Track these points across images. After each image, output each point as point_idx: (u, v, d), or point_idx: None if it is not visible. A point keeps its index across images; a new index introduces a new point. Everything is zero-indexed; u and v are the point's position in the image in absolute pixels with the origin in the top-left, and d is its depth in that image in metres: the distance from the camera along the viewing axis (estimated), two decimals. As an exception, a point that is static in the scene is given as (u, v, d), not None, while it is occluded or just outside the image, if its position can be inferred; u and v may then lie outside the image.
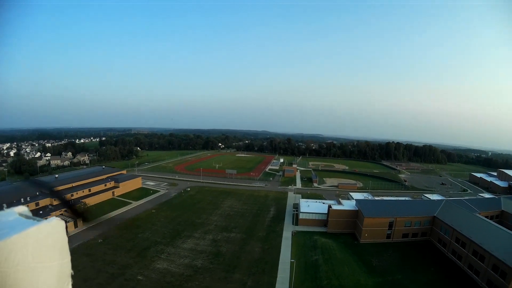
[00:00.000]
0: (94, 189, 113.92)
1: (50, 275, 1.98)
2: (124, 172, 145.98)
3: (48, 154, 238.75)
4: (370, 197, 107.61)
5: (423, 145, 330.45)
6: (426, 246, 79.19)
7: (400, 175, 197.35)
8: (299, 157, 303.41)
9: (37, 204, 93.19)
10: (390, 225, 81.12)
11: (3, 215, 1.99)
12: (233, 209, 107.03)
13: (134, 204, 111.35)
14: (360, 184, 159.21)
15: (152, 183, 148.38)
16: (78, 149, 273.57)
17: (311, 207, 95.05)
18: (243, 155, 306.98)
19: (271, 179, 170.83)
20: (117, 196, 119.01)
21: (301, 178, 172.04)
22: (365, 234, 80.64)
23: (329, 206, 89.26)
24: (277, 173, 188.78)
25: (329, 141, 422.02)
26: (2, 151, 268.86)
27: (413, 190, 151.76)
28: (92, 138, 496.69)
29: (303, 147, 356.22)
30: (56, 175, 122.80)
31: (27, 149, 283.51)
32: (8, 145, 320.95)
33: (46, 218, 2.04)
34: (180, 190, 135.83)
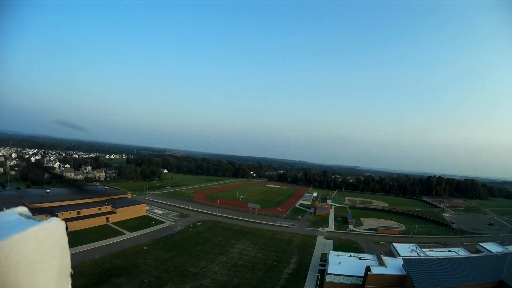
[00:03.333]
0: (86, 211, 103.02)
1: (50, 274, 2.03)
2: (128, 196, 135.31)
3: (67, 166, 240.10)
4: (418, 250, 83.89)
5: (465, 179, 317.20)
6: None
7: (444, 214, 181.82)
8: (335, 191, 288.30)
9: None
10: (448, 297, 57.99)
11: (3, 215, 2.10)
12: (243, 256, 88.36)
13: (127, 235, 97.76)
14: (402, 227, 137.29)
15: (160, 212, 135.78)
16: (101, 164, 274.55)
17: (343, 266, 73.60)
18: (273, 186, 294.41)
19: (299, 217, 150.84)
20: (112, 223, 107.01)
21: (335, 218, 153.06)
22: (416, 313, 57.79)
23: (367, 268, 67.24)
24: (308, 210, 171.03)
25: (366, 174, 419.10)
26: (24, 156, 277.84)
27: (462, 235, 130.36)
28: (123, 155, 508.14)
29: (340, 179, 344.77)
30: (48, 190, 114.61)
31: (51, 157, 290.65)
32: (35, 151, 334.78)
33: (46, 219, 2.13)
34: (189, 223, 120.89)
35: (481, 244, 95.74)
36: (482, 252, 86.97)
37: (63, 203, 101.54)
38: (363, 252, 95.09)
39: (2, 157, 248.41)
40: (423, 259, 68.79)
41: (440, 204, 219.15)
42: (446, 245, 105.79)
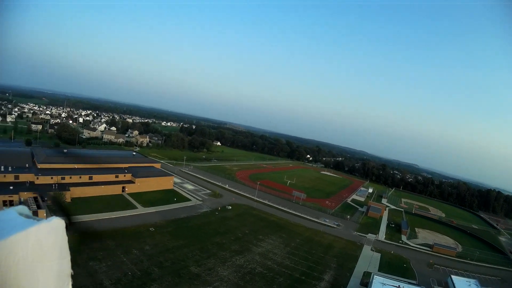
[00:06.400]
0: (99, 177, 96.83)
1: (50, 274, 2.13)
2: (157, 165, 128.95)
3: (113, 128, 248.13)
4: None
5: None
6: None
7: (500, 238, 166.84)
8: (392, 189, 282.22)
9: (16, 177, 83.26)
10: None
11: (3, 214, 2.17)
12: (266, 261, 73.36)
13: (139, 210, 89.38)
14: (459, 248, 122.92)
15: (190, 187, 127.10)
16: (150, 130, 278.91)
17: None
18: (328, 174, 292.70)
19: (348, 217, 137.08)
20: (128, 194, 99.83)
21: (388, 224, 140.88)
22: None
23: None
24: (360, 208, 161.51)
25: (424, 174, 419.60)
26: (73, 116, 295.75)
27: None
28: (181, 123, 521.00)
29: (398, 177, 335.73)
30: (65, 150, 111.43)
31: (102, 119, 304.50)
32: (88, 112, 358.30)
33: (46, 218, 2.22)
34: (218, 205, 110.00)
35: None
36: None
37: (76, 166, 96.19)
38: (413, 276, 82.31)
39: (48, 116, 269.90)
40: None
41: (497, 225, 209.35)
42: (504, 281, 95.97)
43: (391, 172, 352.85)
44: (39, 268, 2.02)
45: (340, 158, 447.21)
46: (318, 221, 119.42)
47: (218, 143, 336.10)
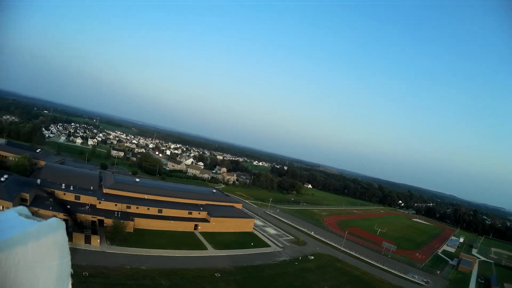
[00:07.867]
0: (170, 212, 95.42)
1: (50, 274, 2.15)
2: (238, 205, 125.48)
3: (200, 163, 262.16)
4: None
5: None
6: None
7: None
8: (482, 237, 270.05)
9: (76, 198, 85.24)
10: None
11: (3, 215, 2.21)
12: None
13: (208, 252, 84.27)
14: None
15: (272, 231, 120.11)
16: (240, 168, 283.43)
17: None
18: (419, 221, 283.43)
19: (438, 272, 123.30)
20: (200, 232, 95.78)
21: (477, 279, 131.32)
22: None
23: None
24: (450, 261, 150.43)
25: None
26: (161, 148, 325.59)
27: None
28: (274, 164, 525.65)
29: (488, 222, 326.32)
30: (137, 179, 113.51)
31: (191, 154, 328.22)
32: (178, 145, 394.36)
33: (46, 219, 2.24)
34: (299, 254, 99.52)
35: None
36: None
37: (147, 197, 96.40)
38: None
39: (134, 144, 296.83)
40: None
41: None
42: None
43: (482, 217, 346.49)
44: (39, 268, 2.01)
45: (431, 204, 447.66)
46: (406, 277, 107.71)
47: (309, 186, 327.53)
